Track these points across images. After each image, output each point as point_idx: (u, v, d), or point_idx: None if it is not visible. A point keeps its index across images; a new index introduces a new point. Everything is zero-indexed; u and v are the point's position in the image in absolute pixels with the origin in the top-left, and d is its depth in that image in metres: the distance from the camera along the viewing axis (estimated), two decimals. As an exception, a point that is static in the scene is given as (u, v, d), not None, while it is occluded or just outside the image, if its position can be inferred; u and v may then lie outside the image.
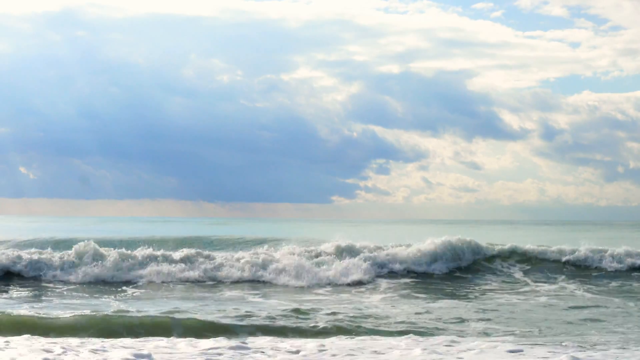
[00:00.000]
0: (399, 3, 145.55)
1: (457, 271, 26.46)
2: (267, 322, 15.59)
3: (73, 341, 13.02)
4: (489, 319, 16.77)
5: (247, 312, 16.65)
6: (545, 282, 24.56)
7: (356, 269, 24.48)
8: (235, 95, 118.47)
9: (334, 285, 23.33)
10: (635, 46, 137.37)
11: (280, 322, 15.62)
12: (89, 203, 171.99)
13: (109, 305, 17.99)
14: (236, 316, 16.14)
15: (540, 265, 27.40)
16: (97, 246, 25.18)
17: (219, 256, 25.75)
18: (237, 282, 23.83)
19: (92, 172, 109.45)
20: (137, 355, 11.54)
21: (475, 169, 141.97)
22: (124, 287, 22.47)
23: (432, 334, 14.67)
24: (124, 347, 12.44)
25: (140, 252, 25.27)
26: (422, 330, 15.19)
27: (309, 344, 12.99)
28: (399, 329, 15.22)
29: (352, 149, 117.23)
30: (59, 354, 11.60)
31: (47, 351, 11.79)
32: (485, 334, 14.97)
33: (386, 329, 15.36)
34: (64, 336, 13.88)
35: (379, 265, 25.68)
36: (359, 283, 23.55)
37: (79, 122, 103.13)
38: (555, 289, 22.94)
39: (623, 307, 19.34)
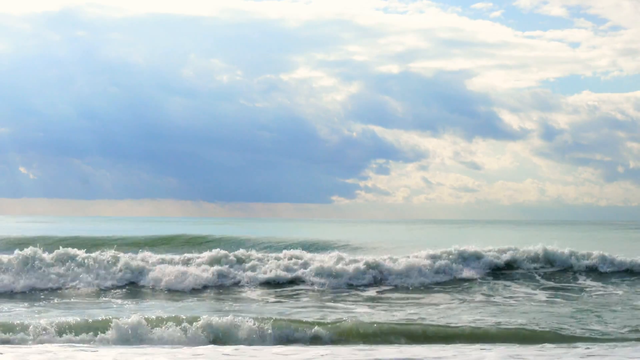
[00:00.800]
0: (399, 3, 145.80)
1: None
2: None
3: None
4: None
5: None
6: None
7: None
8: (235, 95, 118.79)
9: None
10: (634, 46, 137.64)
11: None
12: (89, 203, 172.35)
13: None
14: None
15: None
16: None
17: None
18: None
19: (92, 172, 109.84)
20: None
21: (475, 169, 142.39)
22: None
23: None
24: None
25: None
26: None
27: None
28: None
29: (352, 149, 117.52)
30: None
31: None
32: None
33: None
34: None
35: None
36: None
37: (78, 122, 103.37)
38: None
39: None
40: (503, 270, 24.83)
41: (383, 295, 21.45)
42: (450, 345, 13.95)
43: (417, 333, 14.99)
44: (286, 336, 14.67)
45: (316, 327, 14.85)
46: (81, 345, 13.65)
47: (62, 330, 14.30)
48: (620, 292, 21.74)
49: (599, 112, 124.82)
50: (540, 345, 13.81)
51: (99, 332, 14.30)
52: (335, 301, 20.07)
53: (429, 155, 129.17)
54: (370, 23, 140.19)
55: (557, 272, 24.89)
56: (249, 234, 41.38)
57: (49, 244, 28.32)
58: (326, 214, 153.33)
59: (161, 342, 14.12)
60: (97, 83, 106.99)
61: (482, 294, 21.34)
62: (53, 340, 13.94)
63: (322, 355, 12.54)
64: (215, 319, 14.79)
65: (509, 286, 22.75)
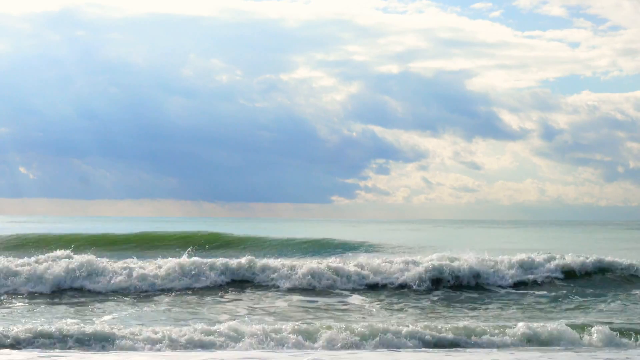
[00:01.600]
0: (398, 3, 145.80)
1: None
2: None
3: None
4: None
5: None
6: None
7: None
8: (235, 95, 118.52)
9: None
10: (634, 46, 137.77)
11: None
12: (89, 203, 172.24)
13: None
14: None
15: None
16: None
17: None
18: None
19: (92, 172, 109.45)
20: None
21: (475, 169, 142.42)
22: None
23: None
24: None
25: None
26: None
27: None
28: None
29: (352, 149, 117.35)
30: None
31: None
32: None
33: None
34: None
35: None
36: None
37: (78, 122, 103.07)
38: None
39: None
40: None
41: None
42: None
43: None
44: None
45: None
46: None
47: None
48: None
49: (599, 112, 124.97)
50: None
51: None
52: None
53: (429, 155, 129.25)
54: (369, 23, 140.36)
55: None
56: (264, 234, 40.19)
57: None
58: (326, 214, 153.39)
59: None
60: (96, 83, 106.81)
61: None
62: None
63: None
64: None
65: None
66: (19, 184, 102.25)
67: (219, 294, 20.04)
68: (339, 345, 13.36)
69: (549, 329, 14.30)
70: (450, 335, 13.95)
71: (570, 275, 22.59)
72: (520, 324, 14.54)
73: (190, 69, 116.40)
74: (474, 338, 13.94)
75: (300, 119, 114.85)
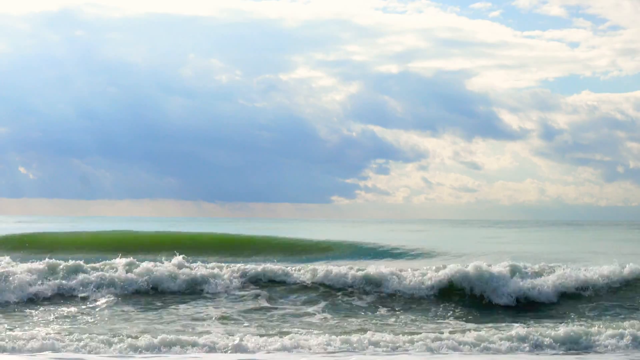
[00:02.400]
0: (398, 3, 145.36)
1: None
2: None
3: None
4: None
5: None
6: None
7: None
8: (234, 95, 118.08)
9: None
10: (634, 46, 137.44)
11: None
12: (89, 203, 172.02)
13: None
14: None
15: None
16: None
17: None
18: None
19: (92, 172, 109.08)
20: None
21: (475, 169, 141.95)
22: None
23: None
24: None
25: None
26: None
27: None
28: None
29: (352, 149, 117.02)
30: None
31: None
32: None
33: None
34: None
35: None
36: None
37: (78, 122, 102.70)
38: None
39: None
40: None
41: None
42: None
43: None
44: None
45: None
46: None
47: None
48: None
49: (599, 112, 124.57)
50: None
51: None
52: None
53: (428, 155, 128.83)
54: (369, 23, 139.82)
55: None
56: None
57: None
58: (326, 214, 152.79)
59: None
60: (96, 83, 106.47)
61: None
62: None
63: None
64: None
65: None
66: (19, 184, 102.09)
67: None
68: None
69: None
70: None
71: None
72: None
73: (190, 69, 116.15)
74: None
75: (300, 119, 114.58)
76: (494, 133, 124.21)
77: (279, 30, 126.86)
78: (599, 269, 21.27)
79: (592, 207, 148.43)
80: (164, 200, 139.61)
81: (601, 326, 16.01)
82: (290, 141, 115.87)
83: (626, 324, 16.33)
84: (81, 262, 20.81)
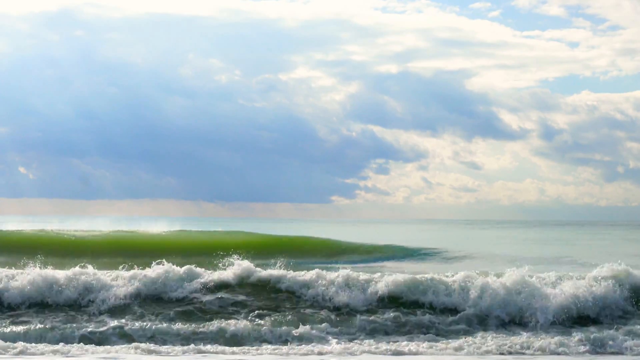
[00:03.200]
0: (397, 3, 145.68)
1: None
2: None
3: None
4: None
5: None
6: None
7: None
8: (234, 95, 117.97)
9: None
10: (634, 46, 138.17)
11: None
12: (89, 203, 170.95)
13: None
14: None
15: None
16: None
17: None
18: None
19: (92, 172, 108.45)
20: None
21: (475, 169, 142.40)
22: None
23: None
24: None
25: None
26: None
27: None
28: None
29: (352, 149, 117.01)
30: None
31: None
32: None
33: None
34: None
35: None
36: None
37: (77, 122, 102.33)
38: None
39: None
40: None
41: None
42: None
43: None
44: None
45: None
46: None
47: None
48: None
49: (598, 112, 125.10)
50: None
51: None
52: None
53: (428, 155, 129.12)
54: (368, 23, 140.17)
55: None
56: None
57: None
58: (326, 214, 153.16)
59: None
60: (95, 83, 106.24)
61: None
62: None
63: None
64: None
65: None
66: (19, 184, 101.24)
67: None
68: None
69: None
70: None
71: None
72: None
73: (189, 69, 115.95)
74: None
75: (300, 119, 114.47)
76: (493, 133, 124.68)
77: (279, 30, 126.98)
78: None
79: (592, 207, 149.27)
80: (164, 200, 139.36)
81: None
82: (290, 141, 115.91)
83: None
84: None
